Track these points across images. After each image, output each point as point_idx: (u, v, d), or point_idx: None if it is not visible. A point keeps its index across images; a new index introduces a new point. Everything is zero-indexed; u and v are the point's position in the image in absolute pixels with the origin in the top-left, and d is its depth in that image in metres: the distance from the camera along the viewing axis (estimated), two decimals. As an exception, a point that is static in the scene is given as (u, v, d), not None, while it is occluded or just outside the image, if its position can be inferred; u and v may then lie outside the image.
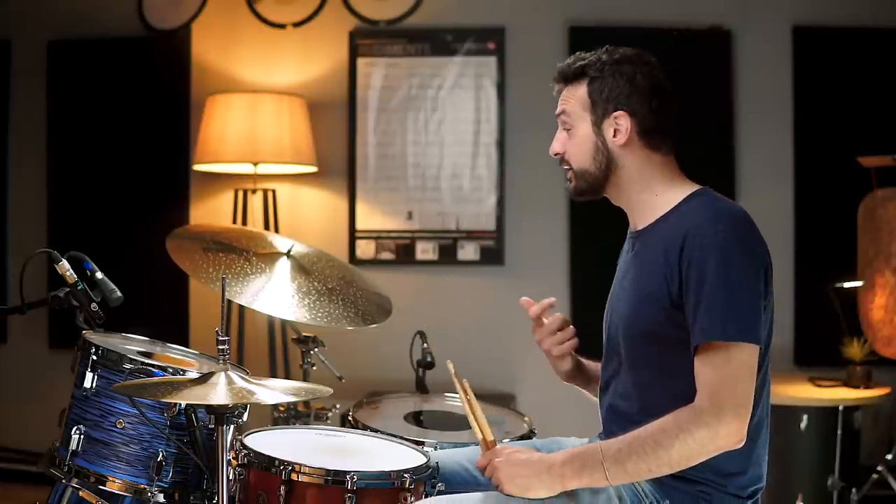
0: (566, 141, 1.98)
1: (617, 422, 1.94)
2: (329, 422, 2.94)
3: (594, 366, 2.15)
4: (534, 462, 1.78)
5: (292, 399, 1.97)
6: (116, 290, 2.23)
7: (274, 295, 2.57)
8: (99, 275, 2.23)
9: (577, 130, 1.96)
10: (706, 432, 1.73)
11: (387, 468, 1.91)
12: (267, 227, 4.19)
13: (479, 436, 1.83)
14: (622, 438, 1.78)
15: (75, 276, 2.18)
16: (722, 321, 1.76)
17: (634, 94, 1.92)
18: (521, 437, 2.42)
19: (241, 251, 2.68)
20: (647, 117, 1.92)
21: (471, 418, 1.85)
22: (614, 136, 1.94)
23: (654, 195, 1.95)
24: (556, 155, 2.01)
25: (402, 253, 4.38)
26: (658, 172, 1.96)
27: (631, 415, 1.90)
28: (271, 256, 2.71)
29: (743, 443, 1.77)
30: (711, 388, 1.75)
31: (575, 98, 1.96)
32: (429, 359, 3.04)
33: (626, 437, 1.78)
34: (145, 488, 1.99)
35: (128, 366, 2.01)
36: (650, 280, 1.87)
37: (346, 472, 1.85)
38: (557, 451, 2.08)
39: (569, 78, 1.97)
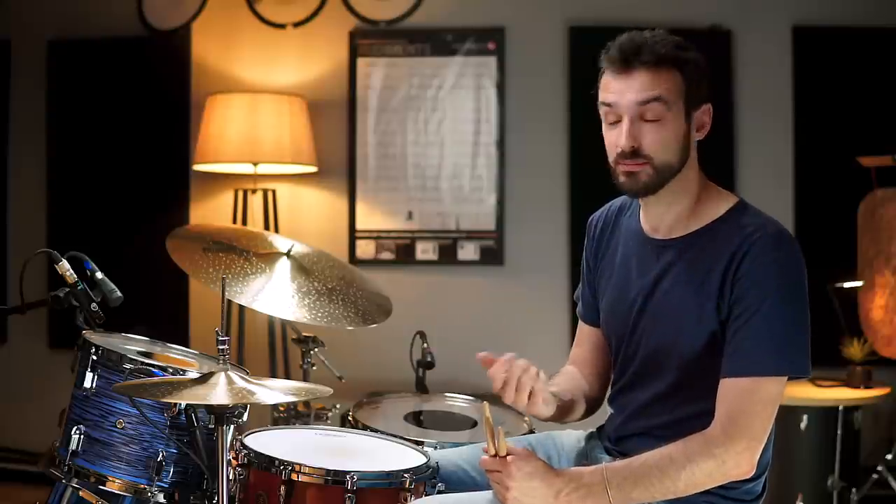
0: (650, 131, 1.78)
1: (634, 434, 1.91)
2: (329, 422, 2.94)
3: (563, 387, 1.98)
4: (543, 488, 1.72)
5: (292, 399, 1.97)
6: (116, 290, 2.22)
7: (274, 295, 2.57)
8: (99, 275, 2.22)
9: (670, 120, 1.78)
10: (713, 463, 1.69)
11: (387, 468, 1.91)
12: (267, 227, 4.19)
13: (493, 451, 1.76)
14: (628, 464, 1.73)
15: (75, 276, 2.18)
16: (773, 356, 1.70)
17: (709, 87, 1.84)
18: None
19: (241, 251, 2.68)
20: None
21: (488, 438, 1.77)
22: (698, 130, 1.84)
23: (696, 201, 1.85)
24: (631, 149, 1.77)
25: (402, 253, 4.38)
26: (702, 179, 1.88)
27: (652, 428, 1.87)
28: (271, 256, 2.71)
29: (752, 474, 1.73)
30: (729, 418, 1.70)
31: (670, 84, 1.77)
32: (429, 359, 3.04)
33: (633, 464, 1.73)
34: (145, 488, 1.99)
35: (128, 366, 2.01)
36: (700, 300, 1.78)
37: (346, 472, 1.84)
38: (552, 446, 2.07)
39: (662, 61, 1.77)
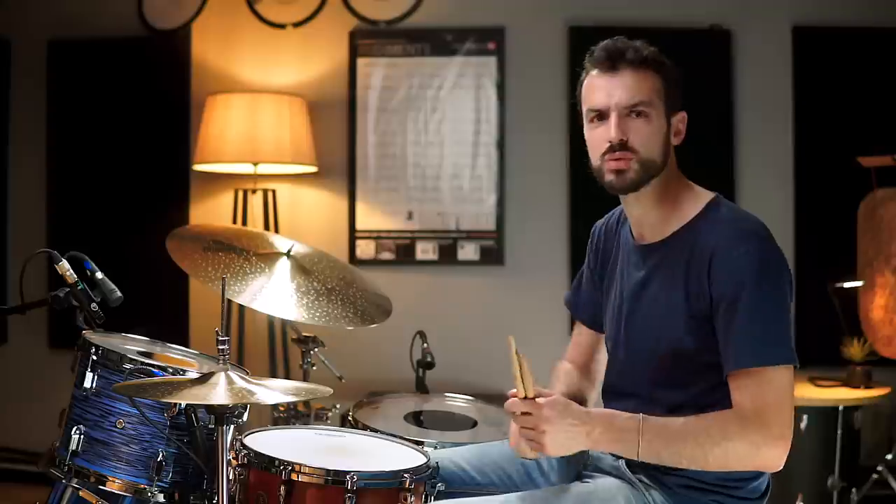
0: (638, 127, 1.84)
1: None
2: (329, 422, 2.94)
3: (570, 390, 2.05)
4: (578, 426, 1.75)
5: (292, 399, 1.97)
6: (116, 290, 2.22)
7: (274, 295, 2.57)
8: (99, 275, 2.22)
9: (654, 118, 1.85)
10: (750, 448, 1.71)
11: (387, 468, 1.91)
12: (267, 227, 4.19)
13: (522, 392, 1.76)
14: (665, 424, 1.74)
15: (75, 276, 2.17)
16: (761, 347, 1.73)
17: (682, 97, 1.91)
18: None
19: (241, 251, 2.68)
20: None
21: (517, 377, 1.77)
22: (675, 135, 1.91)
23: (674, 204, 1.90)
24: (620, 141, 1.83)
25: (402, 253, 4.38)
26: (681, 181, 1.93)
27: None
28: (271, 256, 2.70)
29: (780, 468, 1.74)
30: (756, 407, 1.71)
31: (649, 85, 1.85)
32: (429, 359, 3.04)
33: (669, 425, 1.74)
34: (145, 488, 1.99)
35: (128, 366, 2.01)
36: (676, 300, 1.83)
37: (346, 472, 1.84)
38: None
39: (644, 63, 1.85)
